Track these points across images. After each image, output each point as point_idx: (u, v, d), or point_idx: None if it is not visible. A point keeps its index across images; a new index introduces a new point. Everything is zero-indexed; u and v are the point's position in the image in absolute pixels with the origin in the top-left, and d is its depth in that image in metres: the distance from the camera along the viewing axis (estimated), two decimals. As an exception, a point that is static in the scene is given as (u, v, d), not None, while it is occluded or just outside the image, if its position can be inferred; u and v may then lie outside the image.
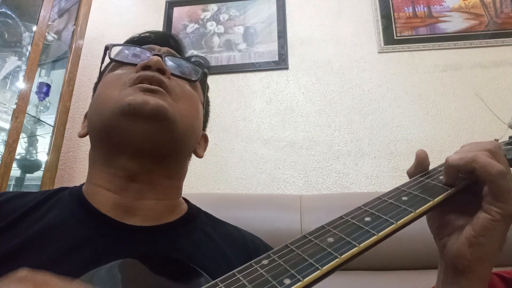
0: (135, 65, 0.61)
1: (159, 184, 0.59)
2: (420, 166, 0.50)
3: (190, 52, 0.76)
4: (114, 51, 0.66)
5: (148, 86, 0.56)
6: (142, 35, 0.72)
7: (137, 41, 0.71)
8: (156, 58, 0.59)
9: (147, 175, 0.58)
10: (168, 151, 0.59)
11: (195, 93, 0.67)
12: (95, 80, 0.73)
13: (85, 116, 0.69)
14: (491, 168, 0.42)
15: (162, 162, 0.59)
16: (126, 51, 0.66)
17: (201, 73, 0.69)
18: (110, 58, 0.65)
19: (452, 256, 0.45)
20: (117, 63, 0.64)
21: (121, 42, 0.70)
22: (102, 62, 0.68)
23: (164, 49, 0.68)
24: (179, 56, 0.69)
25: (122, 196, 0.56)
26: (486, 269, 0.43)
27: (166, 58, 0.64)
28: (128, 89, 0.56)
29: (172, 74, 0.62)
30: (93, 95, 0.70)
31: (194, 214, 0.65)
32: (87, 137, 0.64)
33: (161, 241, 0.55)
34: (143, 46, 0.66)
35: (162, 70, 0.59)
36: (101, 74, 0.69)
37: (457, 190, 0.45)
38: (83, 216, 0.55)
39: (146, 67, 0.59)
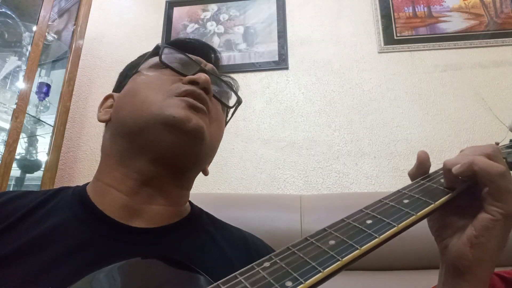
0: (182, 74, 0.61)
1: (169, 192, 0.60)
2: (422, 168, 0.51)
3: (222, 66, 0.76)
4: (165, 51, 0.65)
5: (195, 102, 0.57)
6: (189, 40, 0.72)
7: (181, 44, 0.70)
8: (205, 77, 0.59)
9: (160, 182, 0.58)
10: (188, 165, 0.60)
11: (223, 115, 0.69)
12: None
13: (106, 98, 0.68)
14: (490, 169, 0.42)
15: (178, 173, 0.60)
16: (174, 55, 0.65)
17: (236, 101, 0.72)
18: (161, 61, 0.63)
19: (453, 257, 0.45)
20: (162, 65, 0.63)
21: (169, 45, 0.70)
22: (144, 57, 0.68)
23: (210, 66, 0.68)
24: (221, 78, 0.70)
25: (132, 199, 0.56)
26: (487, 270, 0.43)
27: (210, 76, 0.64)
28: (173, 99, 0.56)
29: (213, 95, 0.63)
30: (120, 81, 0.69)
31: (196, 216, 0.65)
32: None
33: (163, 243, 0.55)
34: (192, 57, 0.66)
35: (207, 90, 0.60)
36: (136, 64, 0.68)
37: (458, 193, 0.45)
38: (85, 217, 0.54)
39: (193, 82, 0.59)
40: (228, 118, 0.75)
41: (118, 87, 0.68)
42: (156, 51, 0.65)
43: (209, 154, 0.63)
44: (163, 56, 0.63)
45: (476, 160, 0.43)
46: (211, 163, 0.69)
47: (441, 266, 0.49)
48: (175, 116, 0.54)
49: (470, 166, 0.43)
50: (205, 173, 0.69)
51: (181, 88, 0.58)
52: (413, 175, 0.51)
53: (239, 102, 0.72)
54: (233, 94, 0.72)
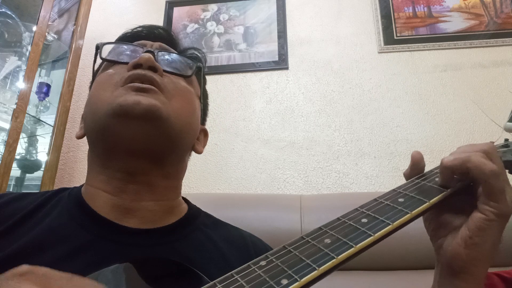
0: (126, 63, 0.60)
1: (156, 185, 0.59)
2: (416, 168, 0.51)
3: (185, 45, 0.74)
4: (106, 49, 0.64)
5: (140, 85, 0.55)
6: (135, 30, 0.70)
7: (129, 37, 0.69)
8: (147, 55, 0.58)
9: (144, 176, 0.57)
10: (164, 150, 0.58)
11: (191, 88, 0.65)
12: None
13: (82, 117, 0.68)
14: (484, 167, 0.42)
15: (158, 162, 0.58)
16: (118, 49, 0.64)
17: (195, 67, 0.67)
18: (101, 57, 0.63)
19: (448, 257, 0.45)
20: (109, 63, 0.63)
21: (117, 41, 0.69)
22: (95, 62, 0.66)
23: (156, 44, 0.66)
24: (172, 51, 0.67)
25: (120, 198, 0.56)
26: (482, 269, 0.43)
27: (158, 54, 0.62)
28: (119, 89, 0.55)
29: (165, 71, 0.61)
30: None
31: (194, 215, 0.65)
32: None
33: (161, 244, 0.55)
34: (135, 43, 0.65)
35: (153, 68, 0.58)
36: (95, 74, 0.68)
37: (452, 191, 0.45)
38: (82, 219, 0.54)
39: (137, 66, 0.57)
40: (200, 89, 0.71)
41: None
42: (96, 51, 0.65)
43: (184, 130, 0.60)
44: (104, 53, 0.63)
45: (471, 157, 0.43)
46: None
47: (436, 266, 0.49)
48: (121, 104, 0.53)
49: (464, 162, 0.43)
50: (197, 151, 0.68)
51: (125, 75, 0.57)
52: (408, 176, 0.51)
53: (198, 67, 0.68)
54: (193, 64, 0.67)
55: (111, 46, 0.65)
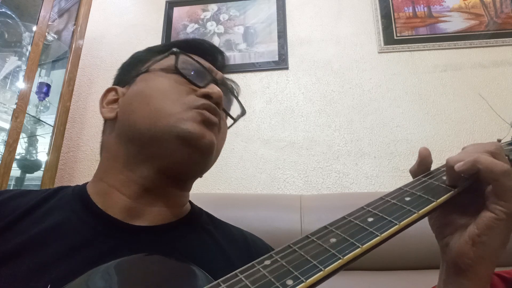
0: (197, 85, 0.61)
1: (172, 196, 0.61)
2: (423, 164, 0.51)
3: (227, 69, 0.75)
4: (181, 58, 0.63)
5: (211, 117, 0.58)
6: (198, 41, 0.70)
7: (192, 46, 0.68)
8: (219, 91, 0.60)
9: (164, 189, 0.59)
10: (193, 175, 0.63)
11: (226, 124, 0.70)
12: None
13: (108, 91, 0.66)
14: (495, 167, 0.42)
15: (182, 181, 0.62)
16: (190, 62, 0.64)
17: (240, 113, 0.74)
18: (177, 69, 0.61)
19: (454, 255, 0.45)
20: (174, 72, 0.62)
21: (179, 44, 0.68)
22: (161, 57, 0.65)
23: (220, 75, 0.68)
24: (229, 87, 0.71)
25: (135, 202, 0.57)
26: (488, 268, 0.43)
27: (221, 88, 0.64)
28: (189, 112, 0.57)
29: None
30: (124, 74, 0.68)
31: (196, 215, 0.65)
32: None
33: (163, 241, 0.55)
34: (205, 64, 0.65)
35: (220, 105, 0.61)
36: (146, 59, 0.67)
37: (460, 191, 0.45)
38: (85, 216, 0.54)
39: (208, 96, 0.59)
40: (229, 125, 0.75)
41: (122, 80, 0.67)
42: (170, 54, 0.64)
43: (212, 163, 0.64)
44: (180, 64, 0.62)
45: (480, 158, 0.43)
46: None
47: (442, 264, 0.48)
48: (191, 131, 0.55)
49: (473, 164, 0.43)
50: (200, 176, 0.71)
51: (197, 102, 0.58)
52: (414, 172, 0.51)
53: (243, 113, 0.74)
54: (234, 100, 0.73)
55: (185, 57, 0.64)
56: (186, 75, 0.61)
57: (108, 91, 0.66)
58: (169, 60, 0.63)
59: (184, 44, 0.67)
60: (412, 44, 1.82)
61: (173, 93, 0.59)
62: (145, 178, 0.57)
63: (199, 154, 0.57)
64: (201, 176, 0.68)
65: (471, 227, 0.44)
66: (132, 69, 0.67)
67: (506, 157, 0.51)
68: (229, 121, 0.73)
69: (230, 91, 0.71)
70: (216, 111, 0.59)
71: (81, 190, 0.59)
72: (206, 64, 0.66)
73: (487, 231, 0.42)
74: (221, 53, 0.72)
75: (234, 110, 0.74)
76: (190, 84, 0.61)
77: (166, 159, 0.56)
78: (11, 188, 1.67)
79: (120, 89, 0.65)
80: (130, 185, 0.57)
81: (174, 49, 0.64)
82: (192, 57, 0.64)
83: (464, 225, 0.45)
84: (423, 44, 1.81)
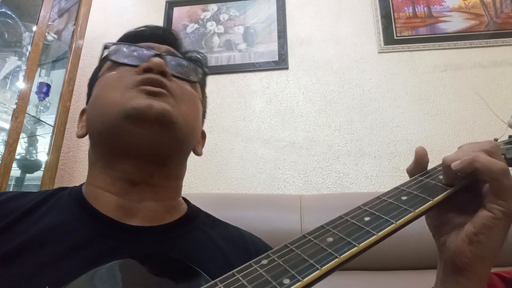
0: (135, 65, 0.60)
1: (159, 186, 0.60)
2: (420, 164, 0.50)
3: (188, 47, 0.74)
4: (112, 50, 0.64)
5: (152, 89, 0.56)
6: (138, 29, 0.70)
7: (133, 36, 0.69)
8: (158, 60, 0.58)
9: (149, 178, 0.58)
10: (170, 153, 0.59)
11: (195, 92, 0.66)
12: None
13: (81, 114, 0.68)
14: (493, 166, 0.42)
15: (163, 165, 0.59)
16: (125, 50, 0.64)
17: (201, 73, 0.68)
18: (109, 59, 0.62)
19: (451, 254, 0.45)
20: (114, 64, 0.62)
21: (120, 40, 0.69)
22: (101, 61, 0.66)
23: (164, 47, 0.66)
24: (179, 55, 0.68)
25: (124, 198, 0.56)
26: (486, 268, 0.43)
27: (166, 58, 0.62)
28: (131, 92, 0.56)
29: (172, 75, 0.61)
30: (89, 94, 0.68)
31: (194, 215, 0.65)
32: (87, 137, 0.63)
33: (161, 242, 0.55)
34: (142, 45, 0.64)
35: (163, 73, 0.58)
36: (96, 73, 0.67)
37: (456, 190, 0.45)
38: (82, 217, 0.54)
39: (147, 69, 0.58)
40: (202, 94, 0.72)
41: (88, 99, 0.68)
42: (104, 51, 0.64)
43: (189, 134, 0.61)
44: (112, 55, 0.62)
45: (477, 157, 0.43)
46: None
47: (439, 264, 0.48)
48: (134, 107, 0.53)
49: (471, 163, 0.43)
50: (197, 153, 0.69)
51: (136, 79, 0.57)
52: (411, 172, 0.51)
53: (204, 73, 0.70)
54: (199, 68, 0.69)
55: (117, 46, 0.64)
56: (122, 61, 0.61)
57: (81, 113, 0.68)
58: (105, 59, 0.64)
59: (125, 37, 0.69)
60: (412, 44, 1.82)
61: (114, 82, 0.59)
62: (126, 172, 0.57)
63: (156, 125, 0.54)
64: (195, 152, 0.68)
65: (468, 225, 0.43)
66: (91, 85, 0.68)
67: (503, 155, 0.51)
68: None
69: (186, 59, 0.67)
70: (158, 80, 0.57)
71: (77, 192, 0.60)
72: (145, 44, 0.65)
73: (485, 230, 0.42)
74: (166, 29, 0.72)
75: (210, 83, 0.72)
76: (132, 68, 0.60)
77: (131, 145, 0.55)
78: (11, 188, 1.68)
79: (87, 108, 0.66)
80: (115, 183, 0.57)
81: (104, 43, 0.64)
82: (125, 44, 0.64)
83: (461, 224, 0.45)
84: (423, 44, 1.81)
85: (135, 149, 0.55)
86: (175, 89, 0.60)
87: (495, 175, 0.42)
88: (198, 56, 0.73)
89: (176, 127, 0.57)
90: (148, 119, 0.53)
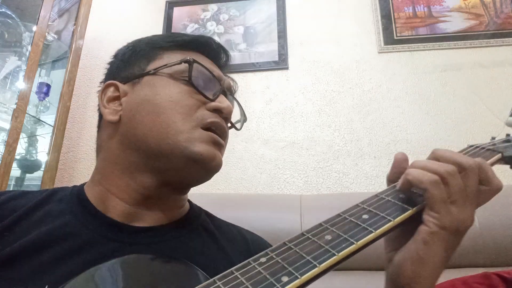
0: (207, 97, 0.58)
1: (171, 200, 0.61)
2: (396, 167, 0.49)
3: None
4: (195, 67, 0.59)
5: (219, 140, 0.58)
6: (208, 40, 0.66)
7: (197, 43, 0.65)
8: (228, 106, 0.59)
9: (165, 197, 0.59)
10: (196, 185, 0.62)
11: None
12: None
13: (108, 85, 0.62)
14: (422, 177, 0.42)
15: (184, 190, 0.62)
16: (199, 70, 0.60)
17: (242, 121, 0.72)
18: (190, 82, 0.58)
19: (395, 272, 0.43)
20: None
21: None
22: (172, 64, 0.60)
23: (228, 83, 0.67)
24: (236, 99, 0.71)
25: (134, 207, 0.56)
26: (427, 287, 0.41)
27: (229, 99, 0.64)
28: (200, 132, 0.56)
29: None
30: (126, 70, 0.62)
31: (195, 214, 0.65)
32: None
33: (162, 241, 0.55)
34: (214, 72, 0.62)
35: (228, 120, 0.61)
36: (148, 58, 0.62)
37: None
38: (84, 218, 0.54)
39: (218, 111, 0.59)
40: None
41: (123, 76, 0.62)
42: (183, 62, 0.59)
43: None
44: (193, 75, 0.58)
45: (409, 170, 0.43)
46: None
47: (385, 281, 0.46)
48: (202, 154, 0.54)
49: (405, 177, 0.43)
50: None
51: (207, 118, 0.57)
52: (388, 179, 0.49)
53: (244, 120, 0.73)
54: (242, 116, 0.72)
55: (198, 66, 0.60)
56: (198, 87, 0.58)
57: (107, 86, 0.62)
58: (180, 66, 0.59)
59: (190, 41, 0.64)
60: (412, 44, 1.82)
61: (184, 106, 0.56)
62: (146, 188, 0.56)
63: (207, 173, 0.57)
64: None
65: (410, 242, 0.42)
66: (135, 65, 0.62)
67: (501, 153, 0.51)
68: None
69: (235, 100, 0.71)
70: (224, 129, 0.60)
71: (79, 192, 0.59)
72: (215, 71, 0.63)
73: (423, 246, 0.40)
74: (227, 53, 0.70)
75: (235, 113, 0.71)
76: (200, 95, 0.58)
77: (172, 174, 0.56)
78: (11, 188, 1.68)
79: (121, 86, 0.60)
80: (129, 192, 0.56)
81: (189, 58, 0.59)
82: (204, 66, 0.60)
83: (407, 240, 0.43)
84: (423, 44, 1.81)
85: (174, 178, 0.57)
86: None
87: (424, 185, 0.41)
88: (233, 84, 0.72)
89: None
90: (207, 168, 0.56)
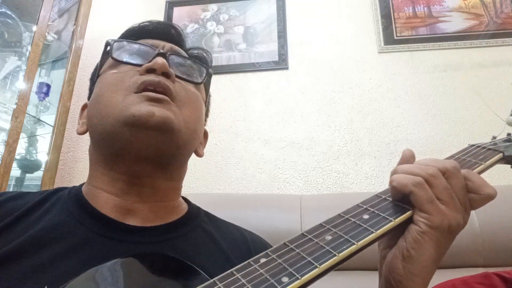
0: (137, 65, 0.59)
1: (159, 187, 0.59)
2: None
3: (191, 44, 0.72)
4: (115, 46, 0.62)
5: (154, 95, 0.54)
6: (141, 25, 0.68)
7: (135, 32, 0.67)
8: (162, 61, 0.57)
9: (148, 179, 0.58)
10: (170, 157, 0.58)
11: (199, 93, 0.65)
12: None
13: (82, 109, 0.67)
14: (404, 180, 0.42)
15: (163, 166, 0.59)
16: (128, 47, 0.62)
17: (205, 73, 0.66)
18: (112, 57, 0.60)
19: (387, 270, 0.44)
20: (116, 61, 0.61)
21: (122, 36, 0.68)
22: (103, 58, 0.64)
23: (168, 46, 0.65)
24: (184, 55, 0.66)
25: (123, 199, 0.56)
26: (419, 286, 0.41)
27: (170, 57, 0.61)
28: (132, 96, 0.55)
29: (176, 76, 0.60)
30: (90, 89, 0.68)
31: (194, 214, 0.65)
32: (87, 137, 0.62)
33: (161, 241, 0.55)
34: (145, 42, 0.63)
35: (167, 74, 0.57)
36: (97, 70, 0.66)
37: None
38: (82, 216, 0.54)
39: (150, 70, 0.57)
40: (206, 94, 0.71)
41: (90, 95, 0.67)
42: (106, 48, 0.62)
43: (190, 138, 0.60)
44: (114, 52, 0.61)
45: (393, 176, 0.44)
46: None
47: (379, 279, 0.47)
48: (134, 115, 0.52)
49: (390, 185, 0.44)
50: (198, 154, 0.68)
51: (138, 81, 0.56)
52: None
53: (208, 74, 0.67)
54: (203, 68, 0.67)
55: (120, 43, 0.63)
56: (124, 60, 0.60)
57: (82, 108, 0.67)
58: (109, 56, 0.61)
59: (128, 33, 0.67)
60: (412, 44, 1.82)
61: (116, 83, 0.57)
62: (125, 173, 0.56)
63: (156, 133, 0.53)
64: (196, 154, 0.67)
65: (401, 240, 0.42)
66: (93, 81, 0.66)
67: (501, 153, 0.51)
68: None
69: (190, 59, 0.66)
70: (161, 83, 0.56)
71: (77, 192, 0.59)
72: (149, 41, 0.63)
73: (414, 245, 0.41)
74: (171, 25, 0.69)
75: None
76: (135, 68, 0.58)
77: (130, 149, 0.54)
78: (11, 188, 1.68)
79: (88, 103, 0.65)
80: (114, 184, 0.57)
81: (108, 40, 0.62)
82: (128, 41, 0.62)
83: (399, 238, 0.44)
84: (423, 44, 1.81)
85: (133, 153, 0.55)
86: (179, 92, 0.59)
87: (408, 188, 0.42)
88: (204, 54, 0.71)
89: (177, 134, 0.56)
90: (148, 126, 0.52)
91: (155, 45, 0.63)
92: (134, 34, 0.67)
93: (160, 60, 0.57)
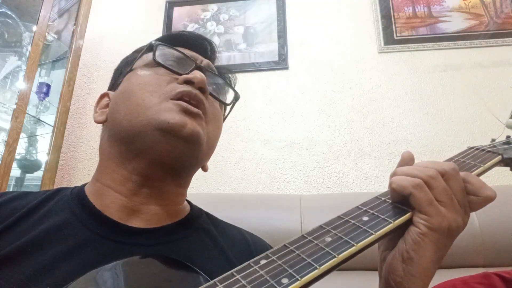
0: (177, 73, 0.60)
1: (168, 191, 0.60)
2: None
3: (219, 59, 0.74)
4: (159, 48, 0.63)
5: (190, 107, 0.56)
6: (181, 33, 0.70)
7: (176, 39, 0.68)
8: (201, 76, 0.58)
9: (159, 183, 0.58)
10: (186, 167, 0.60)
11: (222, 111, 0.68)
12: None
13: (101, 97, 0.67)
14: (404, 182, 0.42)
15: (176, 173, 0.60)
16: (168, 52, 0.63)
17: (233, 97, 0.70)
18: (154, 59, 0.61)
19: (387, 271, 0.44)
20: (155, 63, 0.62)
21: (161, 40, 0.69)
22: (141, 53, 0.65)
23: (206, 62, 0.67)
24: (218, 74, 0.69)
25: (130, 200, 0.56)
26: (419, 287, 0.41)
27: (206, 73, 0.62)
28: (168, 103, 0.56)
29: (209, 93, 0.62)
30: (114, 79, 0.68)
31: (196, 216, 0.65)
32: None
33: (162, 243, 0.55)
34: (187, 53, 0.64)
35: (203, 90, 0.59)
36: (131, 61, 0.66)
37: None
38: (84, 217, 0.54)
39: (189, 82, 0.58)
40: (226, 113, 0.74)
41: (113, 85, 0.68)
42: (150, 48, 0.63)
43: (209, 152, 0.63)
44: (157, 54, 0.62)
45: (392, 179, 0.44)
46: (210, 161, 0.68)
47: (379, 280, 0.47)
48: (169, 122, 0.54)
49: (390, 187, 0.44)
50: (204, 169, 0.69)
51: (176, 89, 0.57)
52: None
53: (236, 98, 0.71)
54: (230, 89, 0.71)
55: (163, 47, 0.63)
56: (165, 64, 0.61)
57: (102, 97, 0.67)
58: (150, 55, 0.62)
59: (167, 38, 0.67)
60: (412, 44, 1.82)
61: (152, 85, 0.58)
62: (138, 174, 0.57)
63: (183, 143, 0.55)
64: (203, 168, 0.68)
65: (401, 242, 0.43)
66: (121, 72, 0.67)
67: (501, 155, 0.51)
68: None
69: (221, 78, 0.69)
70: (198, 97, 0.58)
71: (79, 192, 0.59)
72: (189, 52, 0.65)
73: (414, 246, 0.41)
74: (208, 41, 0.71)
75: (231, 99, 0.72)
76: (172, 74, 0.60)
77: (152, 152, 0.55)
78: (11, 188, 1.68)
79: (111, 93, 0.65)
80: (124, 183, 0.57)
81: (152, 42, 0.63)
82: (172, 47, 0.63)
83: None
84: (423, 44, 1.81)
85: (154, 154, 0.56)
86: (209, 109, 0.61)
87: (408, 190, 0.42)
88: (230, 76, 0.73)
89: (200, 147, 0.58)
90: (178, 136, 0.54)
91: (194, 57, 0.65)
92: (173, 41, 0.67)
93: (199, 74, 0.59)
